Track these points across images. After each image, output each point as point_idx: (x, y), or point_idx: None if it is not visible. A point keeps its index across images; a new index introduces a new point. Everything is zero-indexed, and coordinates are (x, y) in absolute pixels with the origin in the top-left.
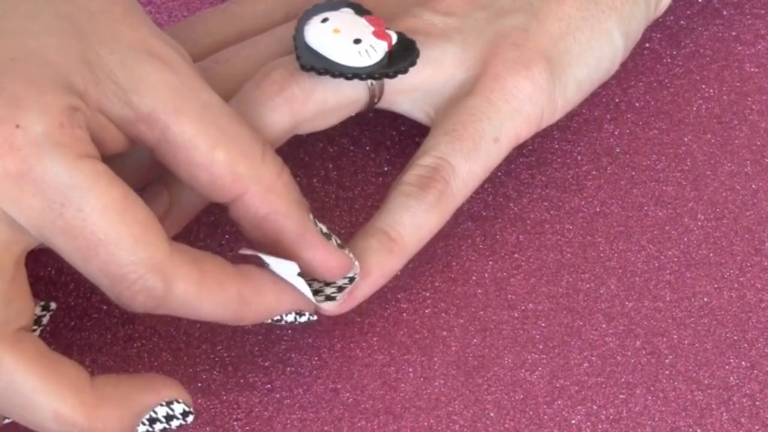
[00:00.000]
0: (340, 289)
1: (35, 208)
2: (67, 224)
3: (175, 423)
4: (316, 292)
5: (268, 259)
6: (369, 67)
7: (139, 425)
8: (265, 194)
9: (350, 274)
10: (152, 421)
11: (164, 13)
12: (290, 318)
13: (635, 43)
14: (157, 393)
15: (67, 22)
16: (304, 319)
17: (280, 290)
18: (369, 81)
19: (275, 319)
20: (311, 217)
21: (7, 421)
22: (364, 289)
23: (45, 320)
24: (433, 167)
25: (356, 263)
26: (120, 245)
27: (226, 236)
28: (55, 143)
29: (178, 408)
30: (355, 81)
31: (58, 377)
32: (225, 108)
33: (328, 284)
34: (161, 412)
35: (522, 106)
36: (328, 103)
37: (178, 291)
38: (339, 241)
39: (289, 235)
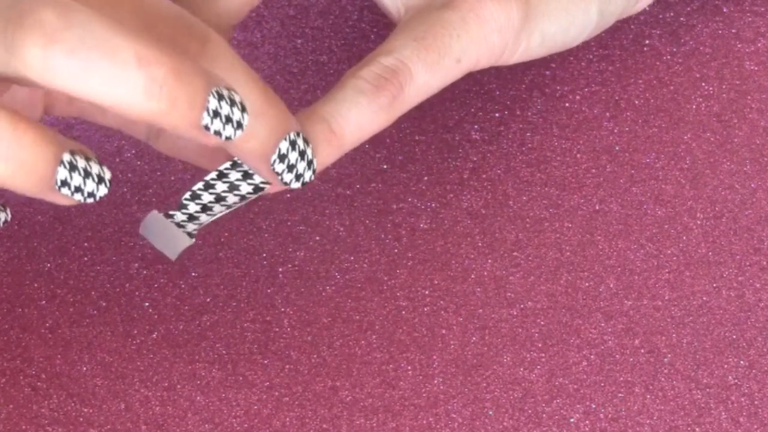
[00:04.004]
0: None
1: None
2: None
3: (224, 110)
4: (244, 177)
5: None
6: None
7: (211, 93)
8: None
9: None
10: (220, 97)
11: None
12: (284, 147)
13: (606, 27)
14: (215, 77)
15: None
16: (305, 171)
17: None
18: None
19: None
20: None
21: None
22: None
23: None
24: (393, 69)
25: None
26: None
27: (226, 234)
28: None
29: (236, 110)
30: None
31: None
32: None
33: (246, 177)
34: (225, 98)
35: (491, 35)
36: None
37: None
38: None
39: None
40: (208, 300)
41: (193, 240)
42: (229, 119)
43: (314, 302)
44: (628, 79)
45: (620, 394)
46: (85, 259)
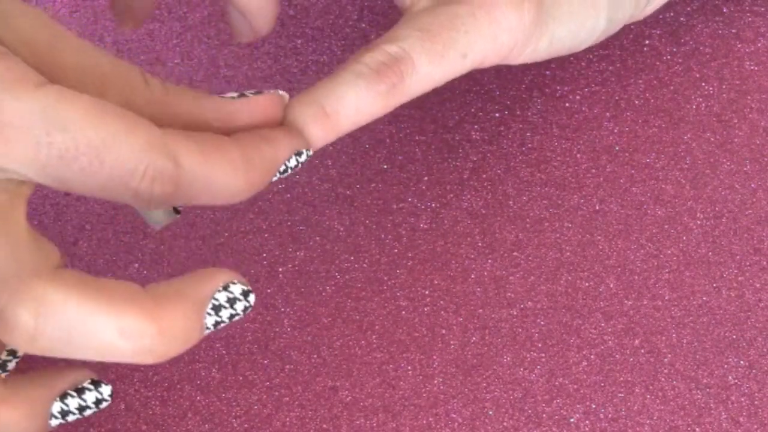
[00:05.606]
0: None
1: (24, 150)
2: (61, 149)
3: (239, 306)
4: None
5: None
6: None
7: (205, 316)
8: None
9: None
10: (217, 309)
11: (164, 9)
12: (292, 162)
13: (612, 33)
14: (212, 280)
15: None
16: (303, 158)
17: (272, 138)
18: None
19: (281, 170)
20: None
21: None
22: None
23: (11, 366)
24: (396, 57)
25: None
26: (117, 140)
27: (226, 234)
28: (8, 82)
29: (237, 289)
30: None
31: (110, 294)
32: None
33: None
34: (222, 297)
35: (501, 34)
36: None
37: (187, 165)
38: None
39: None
40: None
41: (178, 215)
42: (233, 315)
43: (314, 302)
44: (628, 79)
45: (620, 394)
46: (86, 258)
